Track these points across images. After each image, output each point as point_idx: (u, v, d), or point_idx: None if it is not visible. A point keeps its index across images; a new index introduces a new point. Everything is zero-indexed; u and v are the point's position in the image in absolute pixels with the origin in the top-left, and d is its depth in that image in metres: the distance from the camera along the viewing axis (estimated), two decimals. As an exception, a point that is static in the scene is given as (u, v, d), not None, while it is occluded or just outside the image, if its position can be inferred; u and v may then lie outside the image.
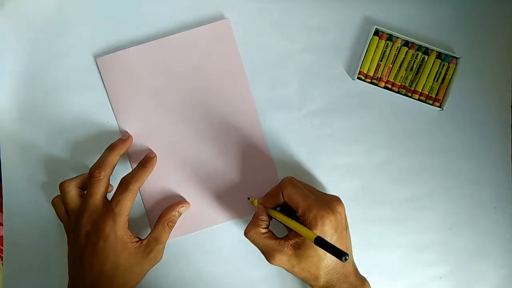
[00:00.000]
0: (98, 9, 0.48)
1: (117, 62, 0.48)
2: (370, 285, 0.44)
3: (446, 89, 0.49)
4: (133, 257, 0.42)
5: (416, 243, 0.50)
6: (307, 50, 0.49)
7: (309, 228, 0.39)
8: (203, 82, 0.48)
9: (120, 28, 0.48)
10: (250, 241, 0.43)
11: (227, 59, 0.48)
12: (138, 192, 0.47)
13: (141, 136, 0.48)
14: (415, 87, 0.49)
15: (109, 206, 0.42)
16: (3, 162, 0.48)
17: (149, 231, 0.45)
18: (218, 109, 0.48)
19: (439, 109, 0.49)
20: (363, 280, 0.43)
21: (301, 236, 0.40)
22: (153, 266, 0.44)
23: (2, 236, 0.49)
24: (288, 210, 0.43)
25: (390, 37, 0.49)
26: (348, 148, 0.49)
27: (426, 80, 0.48)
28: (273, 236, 0.43)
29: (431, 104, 0.49)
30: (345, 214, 0.42)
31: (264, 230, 0.43)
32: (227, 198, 0.48)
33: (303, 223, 0.40)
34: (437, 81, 0.49)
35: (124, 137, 0.47)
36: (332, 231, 0.40)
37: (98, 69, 0.48)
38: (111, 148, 0.45)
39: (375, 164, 0.50)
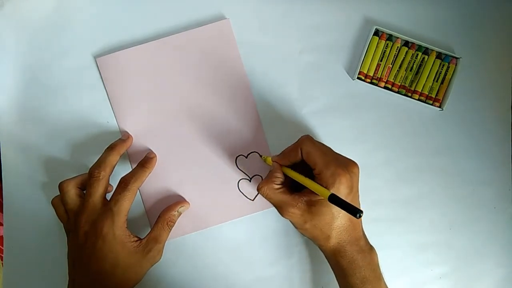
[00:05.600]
0: (98, 9, 0.48)
1: (117, 62, 0.48)
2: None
3: (446, 89, 0.49)
4: (132, 257, 0.42)
5: (416, 243, 0.50)
6: (307, 50, 0.49)
7: (326, 186, 0.39)
8: (203, 82, 0.48)
9: (120, 28, 0.48)
10: (264, 196, 0.43)
11: (227, 59, 0.48)
12: (138, 192, 0.47)
13: (141, 136, 0.48)
14: (415, 87, 0.49)
15: (107, 206, 0.42)
16: (3, 162, 0.48)
17: (149, 230, 0.45)
18: (218, 109, 0.48)
19: (439, 109, 0.49)
20: (371, 247, 0.43)
21: (315, 194, 0.40)
22: (152, 265, 0.44)
23: (2, 236, 0.49)
24: (302, 169, 0.43)
25: (390, 37, 0.49)
26: (348, 148, 0.49)
27: (426, 80, 0.48)
28: (287, 191, 0.42)
29: (431, 104, 0.49)
30: (359, 177, 0.42)
31: (277, 186, 0.43)
32: (227, 198, 0.48)
33: (319, 181, 0.40)
34: (437, 81, 0.49)
35: (124, 137, 0.47)
36: (347, 190, 0.40)
37: (98, 69, 0.48)
38: (111, 148, 0.45)
39: (375, 164, 0.50)
